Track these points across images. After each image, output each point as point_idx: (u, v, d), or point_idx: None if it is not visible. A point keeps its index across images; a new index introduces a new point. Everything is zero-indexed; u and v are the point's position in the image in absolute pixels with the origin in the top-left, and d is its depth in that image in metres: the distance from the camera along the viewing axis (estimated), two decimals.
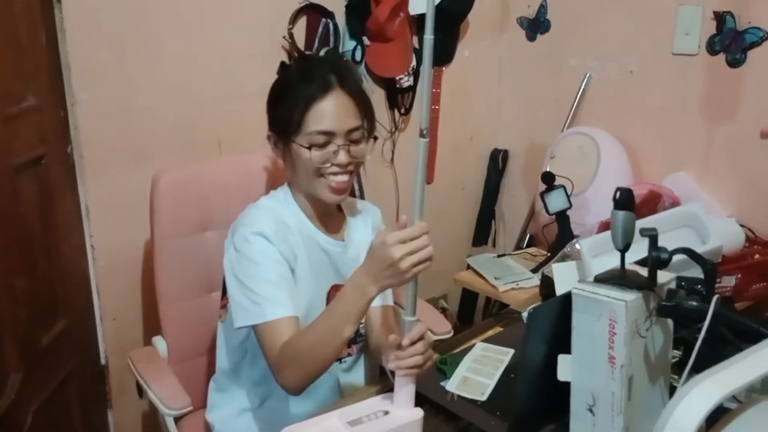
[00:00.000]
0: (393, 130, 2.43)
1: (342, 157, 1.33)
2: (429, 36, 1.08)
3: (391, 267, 1.10)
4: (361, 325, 1.49)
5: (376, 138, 1.41)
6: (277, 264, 1.32)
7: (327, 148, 1.33)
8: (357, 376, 1.53)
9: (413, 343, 1.14)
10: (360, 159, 1.37)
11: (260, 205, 1.41)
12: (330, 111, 1.32)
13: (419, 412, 1.14)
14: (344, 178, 1.35)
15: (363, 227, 1.52)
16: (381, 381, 1.40)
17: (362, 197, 2.25)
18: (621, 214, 1.05)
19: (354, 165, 1.36)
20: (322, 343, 1.20)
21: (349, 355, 1.50)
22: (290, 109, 1.33)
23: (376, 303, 1.48)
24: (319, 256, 1.42)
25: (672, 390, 1.15)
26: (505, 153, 2.75)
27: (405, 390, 1.14)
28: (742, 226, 1.93)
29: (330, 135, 1.33)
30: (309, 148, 1.32)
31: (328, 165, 1.33)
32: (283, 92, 1.38)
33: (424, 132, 1.09)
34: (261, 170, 1.78)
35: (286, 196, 1.44)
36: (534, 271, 2.14)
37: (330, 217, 1.46)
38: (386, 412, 1.13)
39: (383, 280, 1.13)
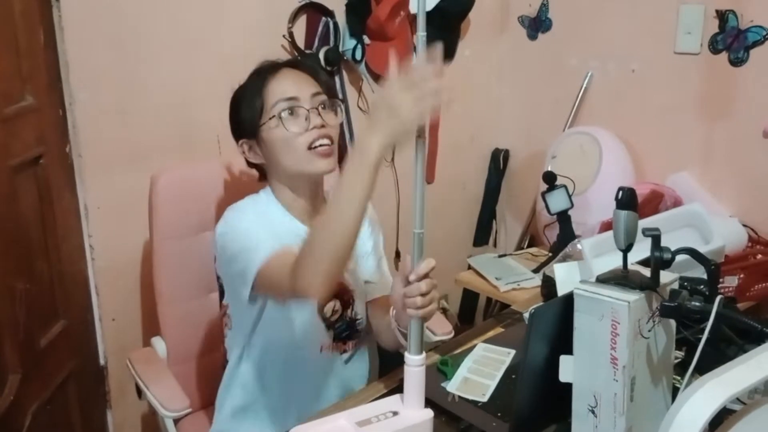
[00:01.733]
0: None
1: (316, 119, 1.31)
2: (422, 33, 1.07)
3: (392, 109, 1.04)
4: (358, 321, 1.48)
5: (343, 100, 1.38)
6: (266, 234, 1.29)
7: (297, 114, 1.32)
8: (359, 371, 1.52)
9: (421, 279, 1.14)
10: (333, 124, 1.35)
11: (242, 206, 1.38)
12: (287, 81, 1.34)
13: (429, 413, 1.13)
14: (326, 141, 1.32)
15: None
16: (384, 380, 1.39)
17: None
18: (624, 213, 1.04)
19: (332, 131, 1.34)
20: (334, 225, 1.12)
21: (345, 351, 1.48)
22: (249, 102, 1.34)
23: (375, 295, 1.48)
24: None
25: (674, 391, 1.15)
26: (506, 153, 2.74)
27: (414, 390, 1.13)
28: (744, 225, 1.93)
29: (294, 100, 1.32)
30: (279, 117, 1.31)
31: (304, 131, 1.31)
32: (238, 97, 1.39)
33: (420, 131, 1.09)
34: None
35: (268, 197, 1.41)
36: (535, 271, 2.13)
37: (316, 212, 1.43)
38: (395, 413, 1.12)
39: (384, 128, 1.05)
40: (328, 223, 1.14)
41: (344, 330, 1.46)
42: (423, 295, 1.14)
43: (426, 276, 1.15)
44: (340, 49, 2.17)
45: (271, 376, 1.41)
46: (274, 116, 1.31)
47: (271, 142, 1.33)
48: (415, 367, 1.13)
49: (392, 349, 1.42)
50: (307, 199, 1.40)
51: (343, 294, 1.45)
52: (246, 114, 1.35)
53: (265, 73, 1.36)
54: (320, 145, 1.31)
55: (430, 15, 2.52)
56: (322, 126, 1.32)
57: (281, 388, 1.43)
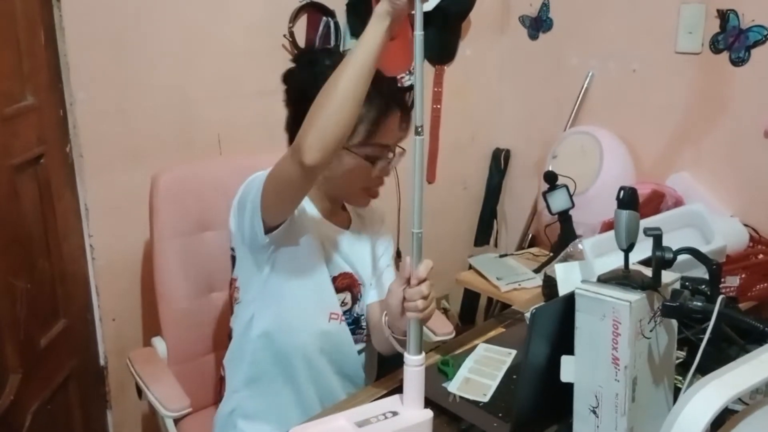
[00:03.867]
0: None
1: (388, 172, 1.39)
2: (419, 32, 1.10)
3: None
4: (363, 317, 1.47)
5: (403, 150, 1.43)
6: None
7: (380, 160, 1.37)
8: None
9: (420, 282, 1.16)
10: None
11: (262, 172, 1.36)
12: (393, 127, 1.37)
13: (428, 413, 1.13)
14: (380, 188, 1.41)
15: (370, 224, 1.54)
16: (384, 381, 1.39)
17: None
18: (625, 213, 1.04)
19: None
20: (337, 77, 1.14)
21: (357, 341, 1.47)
22: (362, 115, 1.32)
23: (374, 299, 1.47)
24: (328, 241, 1.41)
25: (676, 391, 1.14)
26: (507, 152, 2.74)
27: (413, 390, 1.13)
28: (745, 225, 1.92)
29: (386, 149, 1.37)
30: (368, 160, 1.34)
31: (373, 177, 1.37)
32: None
33: (420, 129, 1.10)
34: (261, 170, 1.77)
35: None
36: (536, 271, 2.13)
37: (337, 215, 1.47)
38: (395, 413, 1.12)
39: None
40: (334, 78, 1.15)
41: (350, 324, 1.45)
42: (424, 297, 1.15)
43: (425, 278, 1.17)
44: (341, 49, 2.16)
45: (279, 346, 1.38)
46: (359, 154, 1.34)
47: (340, 163, 1.35)
48: (414, 367, 1.13)
49: (385, 352, 1.41)
50: (331, 201, 1.44)
51: (352, 287, 1.45)
52: None
53: (384, 102, 1.35)
54: (377, 190, 1.40)
55: (430, 15, 2.54)
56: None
57: (289, 360, 1.40)
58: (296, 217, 1.34)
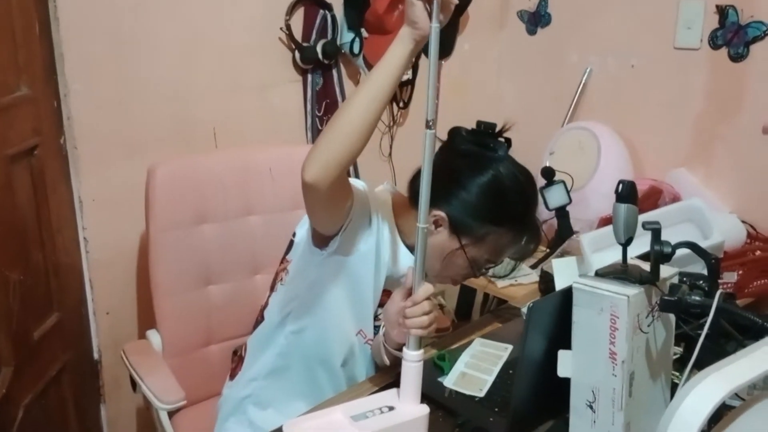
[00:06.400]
0: (391, 124, 2.41)
1: (477, 274, 1.41)
2: (435, 24, 1.08)
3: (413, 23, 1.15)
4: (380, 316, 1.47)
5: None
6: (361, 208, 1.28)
7: (482, 269, 1.40)
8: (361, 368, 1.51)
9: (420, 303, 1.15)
10: None
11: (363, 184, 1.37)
12: (511, 254, 1.40)
13: (425, 409, 1.12)
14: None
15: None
16: (381, 374, 1.38)
17: None
18: (624, 207, 1.03)
19: None
20: (353, 96, 1.15)
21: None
22: (494, 232, 1.33)
23: None
24: (394, 258, 1.38)
25: (673, 387, 1.14)
26: None
27: (410, 385, 1.12)
28: (743, 222, 1.92)
29: (494, 264, 1.40)
30: (472, 267, 1.35)
31: (464, 272, 1.38)
32: (501, 211, 1.35)
33: (431, 123, 1.10)
34: (257, 164, 1.77)
35: (385, 202, 1.39)
36: (533, 267, 2.12)
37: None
38: (391, 408, 1.11)
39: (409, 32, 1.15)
40: (350, 98, 1.15)
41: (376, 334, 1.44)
42: (426, 313, 1.15)
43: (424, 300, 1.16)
44: (338, 43, 2.15)
45: (308, 348, 1.39)
46: (468, 257, 1.33)
47: (449, 253, 1.34)
48: (412, 362, 1.12)
49: (380, 364, 1.40)
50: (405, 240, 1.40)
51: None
52: (477, 220, 1.33)
53: (522, 249, 1.39)
54: (456, 281, 1.42)
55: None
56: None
57: (315, 364, 1.41)
58: (367, 228, 1.31)
